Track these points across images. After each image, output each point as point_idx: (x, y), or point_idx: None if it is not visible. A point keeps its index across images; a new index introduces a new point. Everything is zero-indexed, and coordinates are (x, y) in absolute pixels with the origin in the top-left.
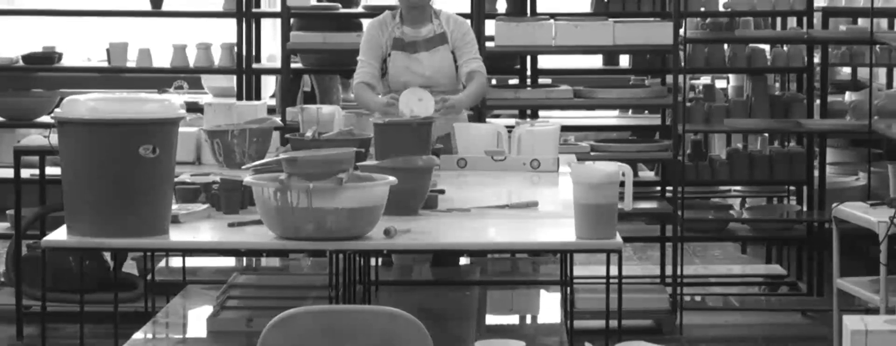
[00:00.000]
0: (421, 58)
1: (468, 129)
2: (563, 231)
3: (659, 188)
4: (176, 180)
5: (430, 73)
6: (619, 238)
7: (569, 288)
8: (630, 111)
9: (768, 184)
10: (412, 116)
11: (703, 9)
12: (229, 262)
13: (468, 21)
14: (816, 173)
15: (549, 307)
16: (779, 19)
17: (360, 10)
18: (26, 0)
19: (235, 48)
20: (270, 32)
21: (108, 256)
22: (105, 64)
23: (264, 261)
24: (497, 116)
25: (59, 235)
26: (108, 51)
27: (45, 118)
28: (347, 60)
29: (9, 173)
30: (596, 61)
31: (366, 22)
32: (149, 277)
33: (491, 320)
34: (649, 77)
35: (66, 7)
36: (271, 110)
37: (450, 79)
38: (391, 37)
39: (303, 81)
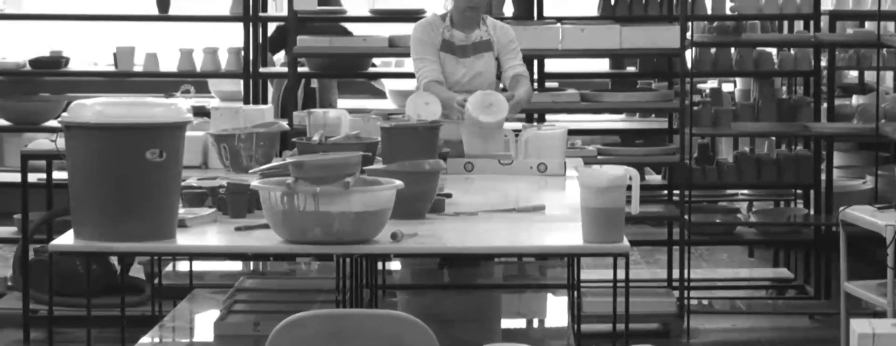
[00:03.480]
0: (468, 62)
1: (475, 132)
2: (570, 235)
3: (666, 192)
4: (183, 184)
5: (470, 78)
6: (626, 242)
7: (576, 292)
8: (637, 115)
9: (775, 187)
10: (419, 120)
11: (709, 12)
12: (236, 266)
13: (512, 32)
14: (823, 176)
15: (557, 310)
16: (785, 22)
17: (367, 14)
18: (34, 4)
19: (242, 52)
20: None
21: (114, 260)
22: (112, 68)
23: (271, 265)
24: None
25: (66, 239)
26: (115, 55)
27: (53, 122)
28: (351, 63)
29: (16, 177)
30: (603, 65)
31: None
32: (156, 281)
33: (498, 324)
34: (656, 81)
35: (73, 12)
36: None
37: (489, 84)
38: (440, 39)
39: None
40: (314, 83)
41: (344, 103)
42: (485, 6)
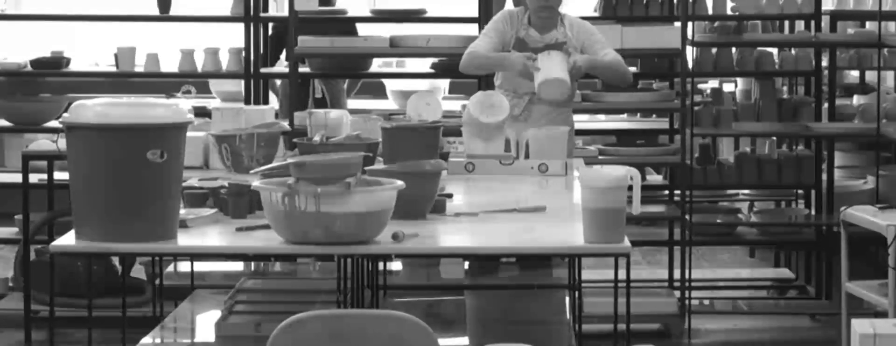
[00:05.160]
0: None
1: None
2: (571, 235)
3: (667, 192)
4: (184, 184)
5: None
6: (627, 242)
7: (577, 292)
8: (638, 115)
9: (776, 187)
10: (420, 120)
11: (710, 12)
12: (237, 266)
13: (591, 25)
14: (825, 176)
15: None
16: (786, 22)
17: (367, 14)
18: (34, 5)
19: (243, 53)
20: None
21: (116, 260)
22: (113, 69)
23: (272, 266)
24: None
25: (68, 239)
26: (116, 55)
27: (54, 123)
28: (353, 64)
29: (17, 177)
30: None
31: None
32: (157, 281)
33: (499, 324)
34: (657, 81)
35: (73, 12)
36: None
37: (559, 89)
38: (515, 36)
39: (313, 86)
40: (316, 91)
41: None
42: (558, 4)
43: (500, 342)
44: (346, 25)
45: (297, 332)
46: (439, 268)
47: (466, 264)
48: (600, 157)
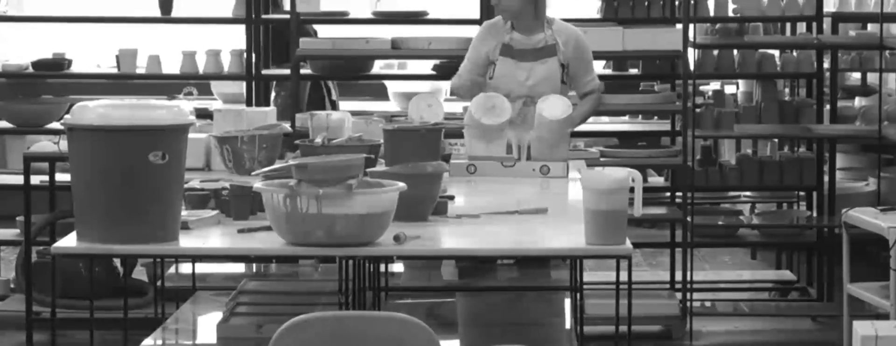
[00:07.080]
0: (528, 67)
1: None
2: (572, 237)
3: (668, 194)
4: (185, 186)
5: (533, 83)
6: (628, 244)
7: (578, 294)
8: (640, 117)
9: (778, 189)
10: (422, 122)
11: (712, 14)
12: (239, 268)
13: (581, 33)
14: (826, 178)
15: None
16: (788, 24)
17: (369, 16)
18: (36, 7)
19: (245, 54)
20: None
21: (117, 262)
22: (115, 70)
23: (274, 267)
24: None
25: (69, 241)
26: (117, 57)
27: (55, 125)
28: (353, 65)
29: (19, 179)
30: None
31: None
32: (158, 283)
33: (500, 326)
34: (658, 83)
35: (75, 14)
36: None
37: (552, 90)
38: (500, 43)
39: (328, 89)
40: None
41: (346, 106)
42: (525, 8)
43: (500, 344)
44: (307, 27)
45: (299, 334)
46: (441, 270)
47: (454, 264)
48: (602, 159)
